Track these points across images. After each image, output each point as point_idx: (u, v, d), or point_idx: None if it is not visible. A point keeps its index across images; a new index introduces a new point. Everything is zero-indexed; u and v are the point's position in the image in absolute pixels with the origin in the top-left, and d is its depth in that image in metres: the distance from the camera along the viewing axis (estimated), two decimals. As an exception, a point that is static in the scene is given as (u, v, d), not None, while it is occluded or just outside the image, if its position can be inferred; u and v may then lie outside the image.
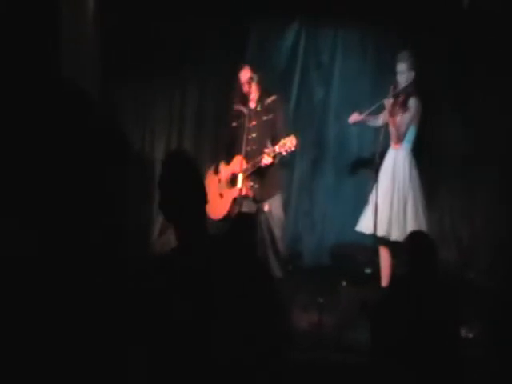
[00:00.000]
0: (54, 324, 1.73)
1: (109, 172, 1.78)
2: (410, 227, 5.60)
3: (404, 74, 5.93)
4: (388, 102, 5.91)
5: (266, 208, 5.84)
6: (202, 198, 2.80)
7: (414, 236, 4.33)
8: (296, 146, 5.57)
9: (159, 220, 6.94)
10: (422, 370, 3.76)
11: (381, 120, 6.11)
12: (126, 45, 6.59)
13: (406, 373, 3.78)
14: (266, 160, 5.60)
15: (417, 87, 5.97)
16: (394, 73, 6.02)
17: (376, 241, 5.88)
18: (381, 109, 6.06)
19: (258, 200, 5.85)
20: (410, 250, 4.18)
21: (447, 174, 6.90)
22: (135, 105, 6.84)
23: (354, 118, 6.16)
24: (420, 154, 6.15)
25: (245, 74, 5.89)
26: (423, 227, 5.65)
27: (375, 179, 5.85)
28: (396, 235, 5.76)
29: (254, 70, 5.90)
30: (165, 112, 7.09)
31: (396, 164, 5.94)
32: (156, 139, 7.06)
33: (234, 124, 5.96)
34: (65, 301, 1.80)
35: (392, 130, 5.93)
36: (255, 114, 5.87)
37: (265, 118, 5.87)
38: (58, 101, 1.74)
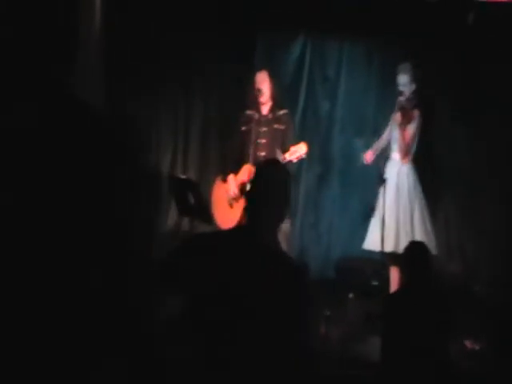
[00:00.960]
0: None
1: (116, 183, 1.79)
2: (420, 238, 5.57)
3: (406, 86, 5.95)
4: (396, 116, 5.93)
5: None
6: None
7: (410, 247, 4.43)
8: (306, 153, 5.60)
9: (166, 230, 6.96)
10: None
11: (385, 140, 6.14)
12: (131, 57, 6.60)
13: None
14: None
15: (419, 100, 5.98)
16: (397, 86, 6.00)
17: (385, 256, 5.84)
18: (383, 129, 6.13)
19: None
20: (405, 259, 4.35)
21: (451, 186, 6.92)
22: (141, 117, 6.82)
23: (370, 156, 6.14)
24: (423, 167, 6.18)
25: (261, 76, 5.92)
26: (431, 239, 5.72)
27: (382, 193, 5.82)
28: (398, 247, 5.70)
29: (269, 74, 5.95)
30: (170, 124, 7.11)
31: (400, 177, 5.93)
32: (161, 151, 7.07)
33: (244, 128, 5.94)
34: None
35: (401, 143, 5.94)
36: (266, 120, 5.91)
37: (276, 126, 5.89)
38: (66, 114, 1.75)
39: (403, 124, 5.91)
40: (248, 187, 3.16)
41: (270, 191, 2.76)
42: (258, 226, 2.74)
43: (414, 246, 4.45)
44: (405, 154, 5.95)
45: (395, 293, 5.27)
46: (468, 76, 6.68)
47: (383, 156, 6.12)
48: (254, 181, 2.86)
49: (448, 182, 6.89)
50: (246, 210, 2.89)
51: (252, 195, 2.83)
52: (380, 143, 6.17)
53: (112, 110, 6.21)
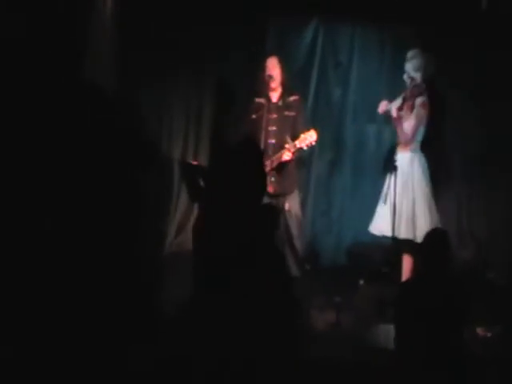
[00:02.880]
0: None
1: (131, 173, 1.81)
2: (420, 225, 5.73)
3: (411, 73, 6.02)
4: (393, 106, 6.03)
5: (286, 207, 5.88)
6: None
7: (430, 234, 4.39)
8: (316, 141, 5.68)
9: (176, 221, 6.97)
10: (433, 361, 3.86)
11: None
12: (144, 46, 6.59)
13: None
14: (287, 156, 5.69)
15: (426, 87, 6.02)
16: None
17: (394, 240, 5.85)
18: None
19: (277, 195, 5.84)
20: (424, 246, 4.30)
21: (463, 174, 6.93)
22: (153, 105, 6.83)
23: (383, 107, 6.16)
24: (434, 154, 6.24)
25: (271, 62, 5.94)
26: (436, 224, 5.72)
27: (390, 180, 5.86)
28: (405, 234, 5.85)
29: (279, 60, 5.98)
30: (182, 111, 7.11)
31: (405, 164, 5.93)
32: (173, 138, 7.08)
33: (254, 116, 5.98)
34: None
35: (400, 131, 6.03)
36: (276, 107, 5.93)
37: (286, 113, 5.91)
38: (80, 103, 1.78)
39: (401, 116, 5.99)
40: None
41: None
42: None
43: (435, 233, 4.41)
44: (405, 142, 5.99)
45: (411, 280, 5.28)
46: (481, 63, 6.63)
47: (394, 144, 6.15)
48: None
49: (460, 170, 6.91)
50: None
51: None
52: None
53: (125, 97, 6.22)
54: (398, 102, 6.02)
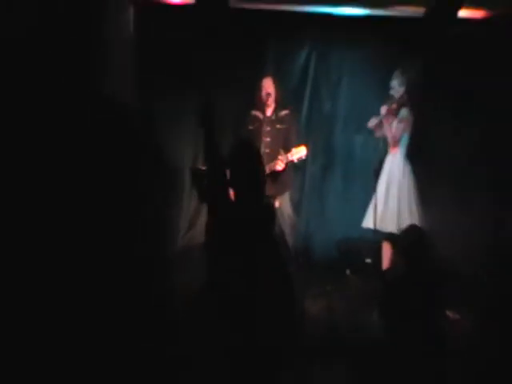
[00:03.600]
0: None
1: (145, 174, 1.82)
2: (405, 221, 5.73)
3: (395, 88, 6.18)
4: (388, 112, 6.15)
5: (277, 204, 5.97)
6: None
7: (407, 230, 4.48)
8: (306, 156, 5.81)
9: (188, 218, 7.08)
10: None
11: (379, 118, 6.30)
12: (159, 63, 6.67)
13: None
14: (280, 166, 5.80)
15: (409, 100, 6.15)
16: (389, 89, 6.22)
17: (376, 234, 6.03)
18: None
19: (270, 196, 5.86)
20: (403, 243, 4.37)
21: (442, 175, 6.90)
22: (166, 116, 6.83)
23: (373, 121, 6.31)
24: (417, 159, 6.30)
25: (266, 84, 6.09)
26: (417, 222, 5.77)
27: (375, 182, 6.04)
28: (392, 228, 5.96)
29: (274, 81, 6.10)
30: (192, 124, 7.17)
31: (392, 167, 6.16)
32: (185, 148, 7.17)
33: (251, 127, 6.12)
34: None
35: (388, 136, 6.17)
36: (270, 121, 6.07)
37: (278, 126, 6.04)
38: (98, 111, 1.78)
39: (388, 122, 6.15)
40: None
41: None
42: None
43: (411, 229, 4.50)
44: (393, 145, 6.16)
45: (392, 269, 5.38)
46: (454, 80, 6.68)
47: (379, 151, 6.28)
48: None
49: (440, 172, 6.89)
50: None
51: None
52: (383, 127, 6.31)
53: (142, 111, 6.34)
54: (383, 114, 6.19)
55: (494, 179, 6.76)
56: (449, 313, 5.07)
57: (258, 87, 6.17)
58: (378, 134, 6.33)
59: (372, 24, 6.37)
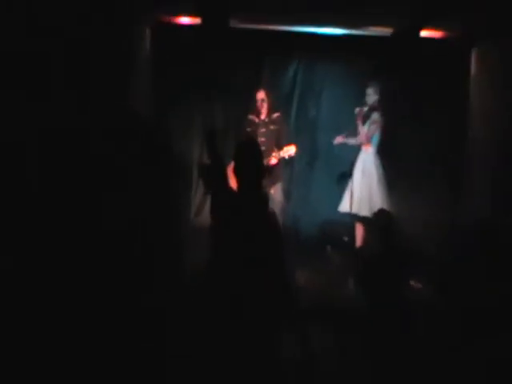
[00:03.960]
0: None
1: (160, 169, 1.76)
2: (377, 207, 5.66)
3: (370, 96, 6.19)
4: (358, 118, 6.16)
5: (272, 191, 6.02)
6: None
7: (378, 213, 4.57)
8: (295, 153, 5.87)
9: (195, 205, 7.05)
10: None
11: (357, 141, 6.30)
12: (173, 76, 6.68)
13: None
14: (273, 161, 5.87)
15: (380, 105, 6.17)
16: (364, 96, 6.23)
17: (352, 217, 6.07)
18: (356, 131, 6.25)
19: (265, 186, 5.82)
20: (375, 224, 4.45)
21: (406, 168, 6.92)
22: (178, 121, 6.93)
23: (338, 139, 6.37)
24: (386, 155, 6.32)
25: (260, 95, 6.13)
26: (386, 206, 5.83)
27: (350, 173, 6.09)
28: (365, 212, 5.99)
29: (266, 92, 6.13)
30: (198, 126, 7.19)
31: (365, 161, 6.18)
32: (193, 146, 7.18)
33: (248, 129, 6.14)
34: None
35: (361, 135, 6.17)
36: (264, 123, 6.11)
37: (271, 127, 6.09)
38: (122, 118, 1.74)
39: (361, 123, 6.15)
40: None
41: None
42: None
43: (381, 212, 4.56)
44: (366, 143, 6.18)
45: (364, 246, 5.40)
46: (418, 89, 6.75)
47: (355, 147, 6.28)
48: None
49: (405, 166, 6.93)
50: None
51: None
52: (351, 139, 6.33)
53: (157, 116, 6.36)
54: (358, 117, 6.19)
55: (449, 171, 6.82)
56: (412, 283, 5.12)
57: (253, 97, 6.20)
58: (350, 142, 6.35)
59: (350, 42, 6.39)
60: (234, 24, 6.06)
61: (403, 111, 6.89)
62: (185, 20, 6.15)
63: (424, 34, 5.80)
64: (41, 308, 1.53)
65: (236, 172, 2.95)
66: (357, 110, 6.22)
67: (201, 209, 7.06)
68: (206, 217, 6.41)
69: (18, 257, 1.60)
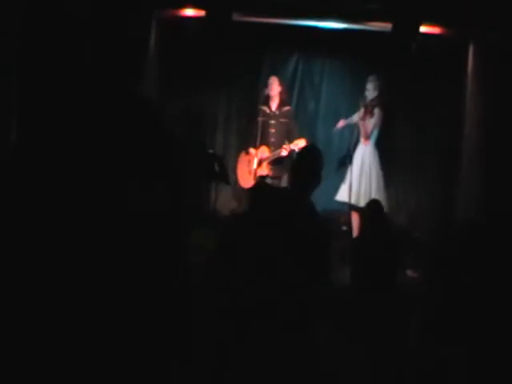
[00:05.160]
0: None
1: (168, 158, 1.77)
2: (374, 196, 5.77)
3: (370, 91, 6.18)
4: (360, 112, 6.17)
5: (282, 181, 6.07)
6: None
7: (370, 204, 4.55)
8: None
9: (214, 195, 7.07)
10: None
11: (354, 119, 6.30)
12: (179, 69, 6.72)
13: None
14: (284, 153, 5.92)
15: (380, 101, 6.17)
16: (364, 91, 6.20)
17: (350, 207, 6.09)
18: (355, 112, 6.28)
19: (274, 177, 6.11)
20: (367, 213, 4.48)
21: (402, 162, 7.03)
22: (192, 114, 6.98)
23: (341, 124, 6.39)
24: (383, 148, 6.34)
25: (273, 80, 6.15)
26: (383, 198, 5.86)
27: (350, 165, 6.10)
28: (363, 203, 5.88)
29: (280, 81, 6.16)
30: (204, 116, 7.25)
31: (364, 155, 6.18)
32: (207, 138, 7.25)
33: (260, 119, 6.14)
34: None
35: (362, 130, 6.17)
36: (274, 115, 6.14)
37: (281, 120, 6.12)
38: (131, 107, 1.74)
39: (363, 119, 6.14)
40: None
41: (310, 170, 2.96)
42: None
43: (373, 203, 4.54)
44: (365, 138, 6.18)
45: (360, 236, 5.41)
46: (415, 87, 6.78)
47: (353, 141, 6.27)
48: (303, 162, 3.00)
49: (400, 159, 7.03)
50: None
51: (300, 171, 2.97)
52: (349, 120, 6.35)
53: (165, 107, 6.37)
54: (360, 112, 6.18)
55: (442, 165, 6.84)
56: (409, 272, 5.18)
57: (260, 86, 6.29)
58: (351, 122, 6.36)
59: (350, 36, 6.36)
60: (237, 17, 6.00)
61: (402, 106, 6.93)
62: (189, 12, 6.11)
63: (423, 29, 5.81)
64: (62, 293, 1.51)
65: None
66: (360, 112, 6.17)
67: (217, 197, 7.04)
68: (220, 205, 6.45)
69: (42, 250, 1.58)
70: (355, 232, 6.10)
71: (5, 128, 4.10)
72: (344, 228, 6.46)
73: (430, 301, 4.00)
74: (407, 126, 7.00)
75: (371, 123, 6.14)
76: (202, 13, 5.89)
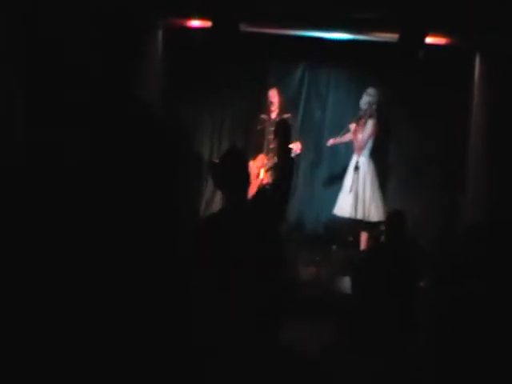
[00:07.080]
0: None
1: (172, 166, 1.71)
2: (372, 209, 5.82)
3: (366, 103, 6.07)
4: (352, 125, 6.08)
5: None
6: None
7: (390, 214, 4.33)
8: (300, 150, 5.76)
9: (205, 199, 6.98)
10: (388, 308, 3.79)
11: (347, 138, 6.20)
12: (185, 76, 6.63)
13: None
14: None
15: (375, 112, 6.08)
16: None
17: (355, 222, 5.93)
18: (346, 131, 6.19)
19: (275, 182, 5.90)
20: (387, 223, 4.24)
21: (399, 171, 6.91)
22: (190, 119, 6.86)
23: (331, 142, 6.30)
24: (380, 158, 6.29)
25: (273, 92, 6.11)
26: (380, 208, 5.86)
27: (356, 174, 5.90)
28: (360, 214, 5.85)
29: (278, 92, 6.12)
30: (209, 125, 7.16)
31: (358, 165, 5.94)
32: (203, 144, 7.12)
33: (259, 127, 6.11)
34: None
35: (354, 141, 6.09)
36: (274, 123, 5.88)
37: None
38: (131, 111, 1.70)
39: (355, 130, 6.06)
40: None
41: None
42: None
43: (393, 213, 4.29)
44: (358, 149, 6.06)
45: (367, 249, 5.27)
46: (422, 96, 6.62)
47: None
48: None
49: (397, 168, 6.92)
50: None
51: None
52: (342, 139, 6.24)
53: (169, 117, 6.26)
54: (353, 124, 6.08)
55: (448, 173, 6.67)
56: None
57: (265, 96, 6.17)
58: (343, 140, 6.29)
59: (355, 47, 6.22)
60: (244, 28, 5.91)
61: (402, 116, 6.77)
62: (195, 23, 6.02)
63: (430, 39, 5.69)
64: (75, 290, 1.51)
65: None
66: (352, 125, 6.08)
67: (210, 202, 6.96)
68: (214, 210, 6.40)
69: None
70: (363, 243, 5.94)
71: (11, 129, 4.03)
72: (350, 239, 6.34)
73: (435, 309, 3.91)
74: (414, 134, 6.81)
75: (366, 133, 6.02)
76: (208, 23, 5.81)
